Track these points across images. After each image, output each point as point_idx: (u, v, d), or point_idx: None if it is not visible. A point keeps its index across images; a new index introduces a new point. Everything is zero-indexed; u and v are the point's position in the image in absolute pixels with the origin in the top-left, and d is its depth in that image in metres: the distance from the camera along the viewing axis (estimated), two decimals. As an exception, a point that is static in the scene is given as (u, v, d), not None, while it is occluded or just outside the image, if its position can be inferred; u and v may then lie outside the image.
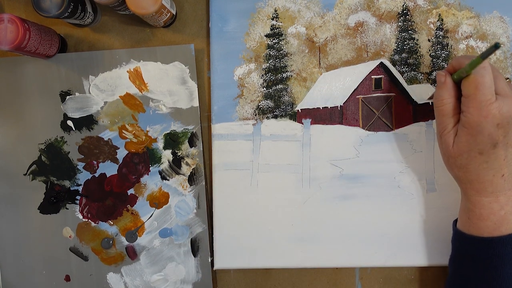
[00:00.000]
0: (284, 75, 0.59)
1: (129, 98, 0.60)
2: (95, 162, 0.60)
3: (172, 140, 0.60)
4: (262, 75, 0.60)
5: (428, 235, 0.57)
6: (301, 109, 0.59)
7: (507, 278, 0.46)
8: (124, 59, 0.60)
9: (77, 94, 0.61)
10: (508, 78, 0.57)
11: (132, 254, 0.60)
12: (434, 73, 0.58)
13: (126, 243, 0.60)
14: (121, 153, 0.60)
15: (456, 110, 0.47)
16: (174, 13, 0.60)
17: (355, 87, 0.59)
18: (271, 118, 0.59)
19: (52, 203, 0.60)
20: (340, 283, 0.59)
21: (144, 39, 0.61)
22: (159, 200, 0.60)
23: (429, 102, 0.58)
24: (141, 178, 0.60)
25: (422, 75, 0.58)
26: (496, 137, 0.44)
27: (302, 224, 0.58)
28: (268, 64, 0.60)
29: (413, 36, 0.58)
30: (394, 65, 0.58)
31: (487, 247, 0.47)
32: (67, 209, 0.60)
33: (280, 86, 0.59)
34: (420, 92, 0.58)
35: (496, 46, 0.38)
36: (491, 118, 0.43)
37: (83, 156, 0.60)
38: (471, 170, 0.46)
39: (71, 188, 0.60)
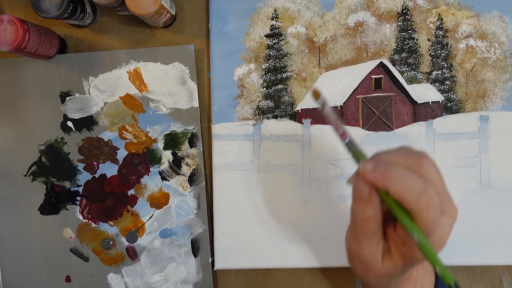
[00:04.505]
0: (284, 75, 0.59)
1: (129, 98, 0.60)
2: (95, 163, 0.60)
3: (172, 141, 0.60)
4: (262, 75, 0.60)
5: (429, 235, 0.57)
6: (301, 109, 0.59)
7: None
8: (124, 60, 0.60)
9: (77, 95, 0.61)
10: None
11: (132, 254, 0.60)
12: (434, 72, 0.58)
13: (126, 243, 0.60)
14: (121, 154, 0.60)
15: (381, 225, 0.37)
16: (174, 14, 0.60)
17: (355, 87, 0.59)
18: (271, 118, 0.59)
19: (53, 204, 0.60)
20: (340, 283, 0.59)
21: (144, 40, 0.61)
22: (159, 201, 0.60)
23: (429, 102, 0.58)
24: (141, 179, 0.60)
25: (422, 74, 0.58)
26: None
27: (302, 224, 0.58)
28: (268, 64, 0.60)
29: (413, 36, 0.58)
30: (394, 64, 0.58)
31: None
32: (67, 210, 0.60)
33: (280, 86, 0.59)
34: (420, 92, 0.58)
35: None
36: None
37: (83, 157, 0.60)
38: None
39: (71, 189, 0.60)
